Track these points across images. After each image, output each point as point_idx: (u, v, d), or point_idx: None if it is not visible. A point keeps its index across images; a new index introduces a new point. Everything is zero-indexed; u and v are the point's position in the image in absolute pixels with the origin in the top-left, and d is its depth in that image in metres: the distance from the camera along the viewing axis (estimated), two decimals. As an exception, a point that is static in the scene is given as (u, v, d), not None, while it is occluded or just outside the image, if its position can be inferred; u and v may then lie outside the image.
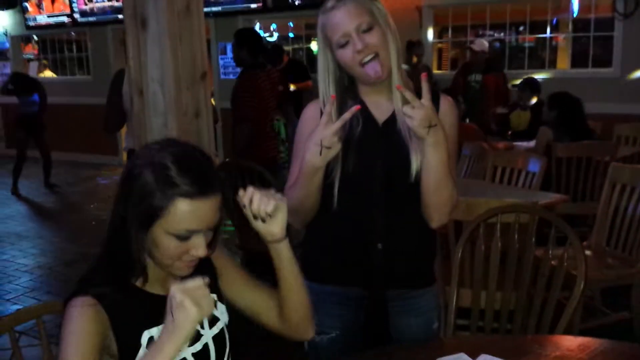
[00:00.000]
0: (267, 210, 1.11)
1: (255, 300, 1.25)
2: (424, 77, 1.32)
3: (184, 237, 1.06)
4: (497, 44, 6.10)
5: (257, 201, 1.11)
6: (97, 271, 1.12)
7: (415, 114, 1.29)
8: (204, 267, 1.14)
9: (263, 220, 1.13)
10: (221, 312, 1.24)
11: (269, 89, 3.76)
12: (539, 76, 5.50)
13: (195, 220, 1.06)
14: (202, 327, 1.18)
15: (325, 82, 1.44)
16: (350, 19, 1.36)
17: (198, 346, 1.17)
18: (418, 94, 1.34)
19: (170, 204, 1.04)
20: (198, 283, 0.96)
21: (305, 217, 1.49)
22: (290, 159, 1.58)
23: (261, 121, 3.72)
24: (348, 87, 1.46)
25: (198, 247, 1.08)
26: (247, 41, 3.79)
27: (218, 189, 1.08)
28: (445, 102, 1.49)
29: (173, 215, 1.04)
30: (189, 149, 1.11)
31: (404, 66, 1.69)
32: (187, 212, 1.04)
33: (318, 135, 1.32)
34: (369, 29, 1.36)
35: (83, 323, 1.03)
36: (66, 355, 1.01)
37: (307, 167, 1.36)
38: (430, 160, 1.36)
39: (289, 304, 1.23)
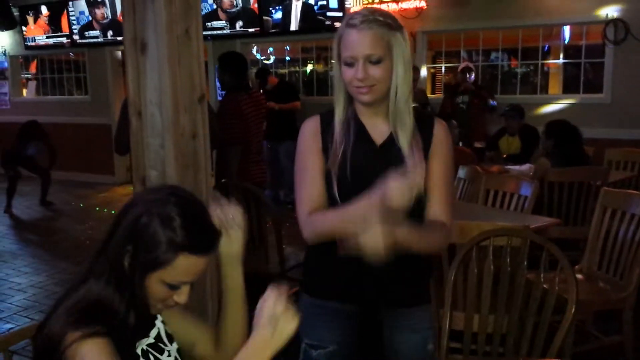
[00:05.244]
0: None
1: (190, 330, 1.29)
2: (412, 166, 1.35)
3: (175, 287, 1.11)
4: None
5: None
6: (95, 306, 1.09)
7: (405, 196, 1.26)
8: None
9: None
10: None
11: (253, 111, 3.76)
12: (531, 102, 5.57)
13: (192, 274, 1.11)
14: (165, 345, 1.22)
15: (336, 87, 1.49)
16: (363, 46, 1.38)
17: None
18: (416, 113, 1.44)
19: (174, 258, 1.08)
20: (283, 295, 1.02)
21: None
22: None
23: (247, 145, 3.73)
24: (349, 98, 1.49)
25: (182, 295, 1.12)
26: (229, 65, 3.80)
27: (218, 247, 1.14)
28: (440, 126, 1.52)
29: (174, 269, 1.08)
30: (192, 201, 1.14)
31: None
32: (187, 266, 1.09)
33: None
34: (377, 62, 1.39)
35: None
36: None
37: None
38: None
39: (233, 327, 1.28)
